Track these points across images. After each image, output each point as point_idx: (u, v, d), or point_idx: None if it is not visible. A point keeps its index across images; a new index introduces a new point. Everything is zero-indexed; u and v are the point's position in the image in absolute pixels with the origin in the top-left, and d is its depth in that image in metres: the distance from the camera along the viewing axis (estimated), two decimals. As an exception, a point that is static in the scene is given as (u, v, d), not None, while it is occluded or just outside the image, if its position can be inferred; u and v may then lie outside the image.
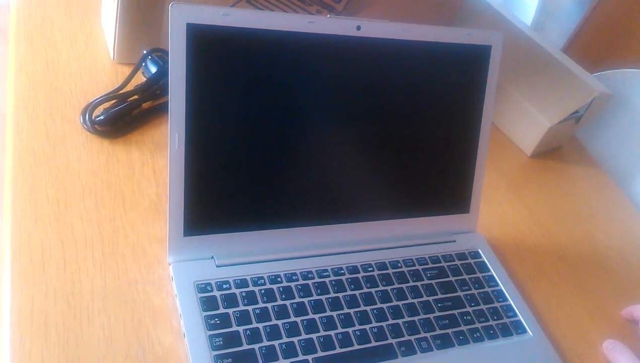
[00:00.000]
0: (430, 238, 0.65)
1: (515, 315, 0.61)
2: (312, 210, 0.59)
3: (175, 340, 0.50)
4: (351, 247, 0.60)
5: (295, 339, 0.51)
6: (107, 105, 0.66)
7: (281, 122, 0.55)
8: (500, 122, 0.93)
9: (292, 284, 0.55)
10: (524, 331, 0.60)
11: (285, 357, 0.49)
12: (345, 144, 0.59)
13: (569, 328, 0.64)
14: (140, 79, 0.71)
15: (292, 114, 0.56)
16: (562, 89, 0.87)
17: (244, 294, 0.52)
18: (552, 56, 0.90)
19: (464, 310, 0.59)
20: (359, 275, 0.58)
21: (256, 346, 0.49)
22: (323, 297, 0.55)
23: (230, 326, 0.50)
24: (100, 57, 0.75)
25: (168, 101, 0.50)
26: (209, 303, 0.51)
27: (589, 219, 0.82)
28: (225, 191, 0.54)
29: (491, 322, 0.59)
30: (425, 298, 0.59)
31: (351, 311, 0.55)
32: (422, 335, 0.55)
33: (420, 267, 0.62)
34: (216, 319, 0.50)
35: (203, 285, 0.52)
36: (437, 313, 0.58)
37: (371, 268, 0.59)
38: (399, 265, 0.61)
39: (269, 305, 0.52)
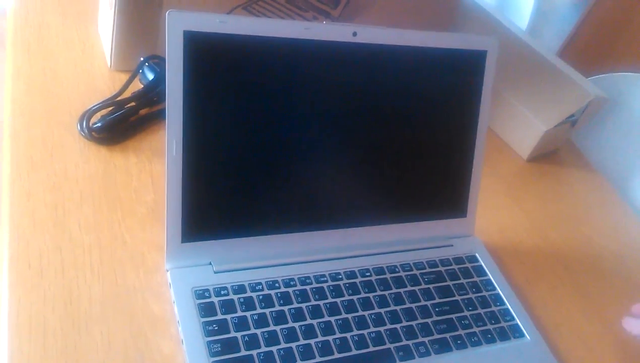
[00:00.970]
0: (427, 242, 0.65)
1: (513, 319, 0.61)
2: (310, 215, 0.59)
3: (174, 346, 0.50)
4: (349, 252, 0.60)
5: (293, 345, 0.51)
6: (104, 112, 0.66)
7: (278, 129, 0.55)
8: (496, 126, 0.93)
9: (290, 290, 0.55)
10: (522, 335, 0.60)
11: (283, 363, 0.49)
12: (342, 149, 0.59)
13: (567, 332, 0.64)
14: (137, 85, 0.71)
15: (289, 121, 0.56)
16: (557, 92, 0.87)
17: (242, 300, 0.52)
18: (547, 60, 0.91)
19: (461, 314, 0.59)
20: (357, 280, 0.58)
21: (254, 352, 0.49)
22: (321, 303, 0.55)
23: (229, 332, 0.50)
24: (97, 64, 0.75)
25: (165, 108, 0.50)
26: (207, 310, 0.51)
27: (585, 222, 0.82)
28: (222, 197, 0.54)
29: (489, 326, 0.59)
30: (423, 302, 0.59)
31: (349, 316, 0.55)
32: (420, 339, 0.56)
33: (417, 272, 0.62)
34: (214, 325, 0.50)
35: (201, 292, 0.52)
36: (435, 318, 0.58)
37: (369, 273, 0.59)
38: (397, 269, 0.61)
39: (267, 311, 0.52)
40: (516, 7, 1.55)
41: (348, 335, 0.53)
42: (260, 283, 0.54)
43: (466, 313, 0.60)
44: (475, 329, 0.59)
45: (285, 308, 0.53)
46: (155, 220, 0.59)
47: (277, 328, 0.52)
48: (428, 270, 0.62)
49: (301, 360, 0.50)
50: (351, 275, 0.59)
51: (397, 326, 0.56)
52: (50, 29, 0.78)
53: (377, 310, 0.56)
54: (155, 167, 0.65)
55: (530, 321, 0.61)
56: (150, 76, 0.70)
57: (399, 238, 0.64)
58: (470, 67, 0.64)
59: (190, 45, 0.50)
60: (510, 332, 0.60)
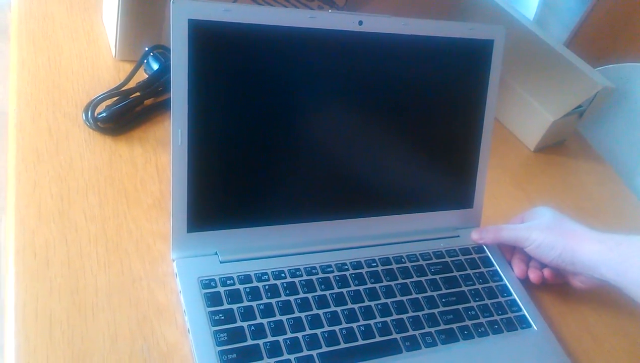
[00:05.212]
0: (434, 233, 0.65)
1: (520, 309, 0.61)
2: (316, 206, 0.59)
3: (180, 336, 0.50)
4: (355, 242, 0.60)
5: (299, 334, 0.51)
6: (109, 102, 0.66)
7: (283, 118, 0.55)
8: (503, 117, 0.93)
9: (296, 280, 0.55)
10: (529, 325, 0.60)
11: (289, 353, 0.49)
12: (348, 139, 0.59)
13: (574, 322, 0.64)
14: (142, 75, 0.71)
15: (295, 110, 0.55)
16: (565, 83, 0.87)
17: (248, 290, 0.52)
18: (555, 50, 0.90)
19: (468, 305, 0.59)
20: (363, 271, 0.58)
21: (261, 341, 0.49)
22: (327, 293, 0.55)
23: (235, 322, 0.50)
24: (102, 54, 0.75)
25: (170, 98, 0.50)
26: (213, 299, 0.51)
27: (592, 213, 0.82)
28: (228, 187, 0.54)
29: (495, 317, 0.59)
30: (429, 293, 0.59)
31: (355, 306, 0.55)
32: (427, 330, 0.55)
33: (424, 262, 0.61)
34: (220, 315, 0.50)
35: (207, 281, 0.52)
36: (442, 308, 0.58)
37: (375, 264, 0.59)
38: (403, 260, 0.61)
39: (273, 301, 0.52)
40: (523, -2, 1.54)
41: (354, 325, 0.53)
42: (266, 273, 0.54)
43: (473, 303, 0.59)
44: (482, 320, 0.58)
45: (292, 298, 0.53)
46: (161, 210, 0.59)
47: (283, 318, 0.51)
48: (434, 260, 0.62)
49: (307, 349, 0.50)
50: (357, 265, 0.58)
51: (404, 316, 0.56)
52: (54, 19, 0.78)
53: (383, 300, 0.56)
54: (161, 157, 0.65)
55: (537, 311, 0.61)
56: (155, 66, 0.70)
57: (405, 229, 0.63)
58: (477, 56, 0.63)
59: (195, 33, 0.50)
60: (517, 323, 0.59)
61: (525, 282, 0.64)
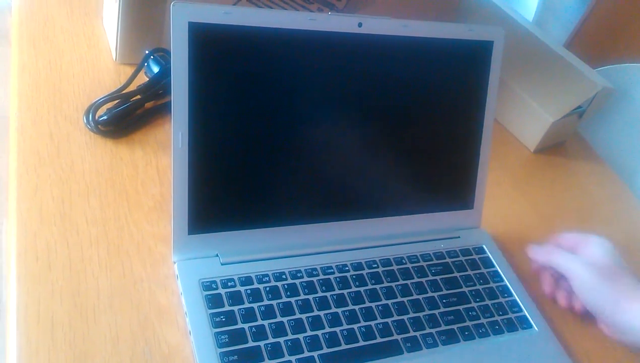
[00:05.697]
0: (434, 234, 0.65)
1: (521, 310, 0.61)
2: (317, 207, 0.59)
3: (181, 338, 0.50)
4: (355, 244, 0.60)
5: (300, 336, 0.51)
6: (110, 105, 0.66)
7: (284, 120, 0.55)
8: (503, 118, 0.93)
9: (297, 281, 0.55)
10: (530, 326, 0.60)
11: (290, 354, 0.49)
12: (349, 141, 0.59)
13: (575, 323, 0.64)
14: (142, 79, 0.71)
15: (295, 112, 0.56)
16: (564, 84, 0.87)
17: (249, 292, 0.52)
18: (554, 51, 0.90)
19: (469, 305, 0.59)
20: (364, 272, 0.58)
21: (262, 343, 0.49)
22: (328, 294, 0.55)
23: (236, 323, 0.50)
24: (102, 58, 0.75)
25: (171, 100, 0.50)
26: (214, 301, 0.51)
27: (593, 214, 0.82)
28: (229, 189, 0.54)
29: (496, 317, 0.59)
30: (430, 294, 0.59)
31: (356, 307, 0.55)
32: (428, 331, 0.55)
33: (424, 263, 0.62)
34: (222, 317, 0.50)
35: (208, 283, 0.52)
36: (442, 309, 0.58)
37: (376, 265, 0.59)
38: (404, 261, 0.61)
39: (274, 303, 0.52)
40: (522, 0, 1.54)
41: (355, 326, 0.53)
42: (267, 275, 0.54)
43: (473, 304, 0.60)
44: (483, 320, 0.58)
45: (292, 299, 0.53)
46: (162, 213, 0.59)
47: (284, 319, 0.52)
48: (435, 261, 0.62)
49: (308, 351, 0.50)
50: (358, 266, 0.58)
51: (405, 317, 0.56)
52: (55, 23, 0.78)
53: (384, 301, 0.56)
54: (161, 160, 0.65)
55: (538, 312, 0.61)
56: (156, 69, 0.70)
57: (405, 230, 0.64)
58: (477, 58, 0.63)
59: (195, 36, 0.50)
60: (517, 323, 0.59)
61: (523, 282, 0.64)
